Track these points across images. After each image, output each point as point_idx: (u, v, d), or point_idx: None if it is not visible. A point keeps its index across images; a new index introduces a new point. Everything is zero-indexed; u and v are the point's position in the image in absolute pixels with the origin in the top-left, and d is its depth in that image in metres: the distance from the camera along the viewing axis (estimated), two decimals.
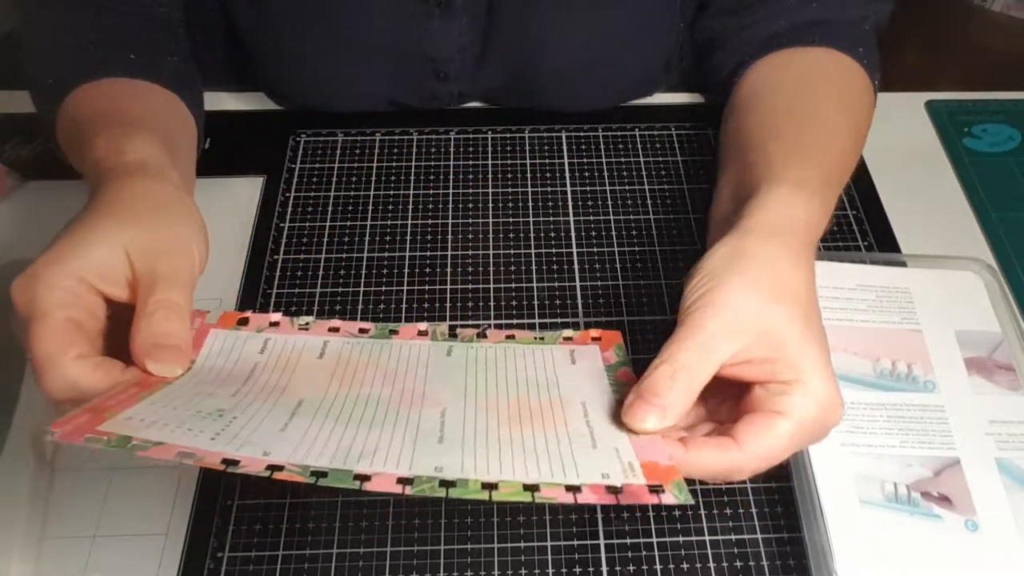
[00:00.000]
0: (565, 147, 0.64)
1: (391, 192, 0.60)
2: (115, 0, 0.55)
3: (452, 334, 0.45)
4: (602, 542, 0.44)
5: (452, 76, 0.62)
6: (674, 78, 0.68)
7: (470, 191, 0.60)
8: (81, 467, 0.46)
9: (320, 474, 0.32)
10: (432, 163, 0.62)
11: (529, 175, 0.62)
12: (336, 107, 0.64)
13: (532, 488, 0.33)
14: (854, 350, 0.49)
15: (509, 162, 0.63)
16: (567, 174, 0.62)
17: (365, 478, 0.32)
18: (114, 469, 0.46)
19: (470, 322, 0.53)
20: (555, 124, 0.65)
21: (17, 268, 0.37)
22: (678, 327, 0.38)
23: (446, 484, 0.33)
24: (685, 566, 0.43)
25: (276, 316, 0.44)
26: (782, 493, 0.45)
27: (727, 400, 0.40)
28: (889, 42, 0.56)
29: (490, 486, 0.33)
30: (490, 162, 0.62)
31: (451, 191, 0.60)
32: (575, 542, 0.44)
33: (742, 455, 0.36)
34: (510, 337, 0.45)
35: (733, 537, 0.44)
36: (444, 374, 0.41)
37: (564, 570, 0.43)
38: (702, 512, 0.45)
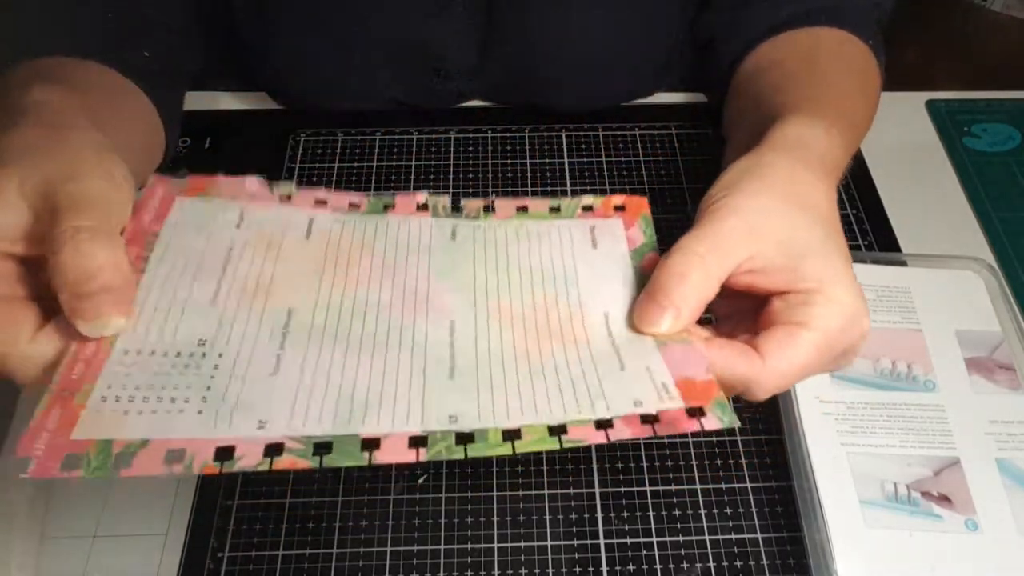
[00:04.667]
0: (565, 147, 0.64)
1: (391, 192, 0.60)
2: None
3: (456, 207, 0.40)
4: (602, 542, 0.44)
5: (452, 75, 0.62)
6: (674, 78, 0.68)
7: (470, 191, 0.60)
8: None
9: (323, 447, 0.29)
10: (432, 163, 0.62)
11: (529, 175, 0.62)
12: (336, 106, 0.64)
13: (558, 431, 0.30)
14: None
15: (509, 162, 0.63)
16: (567, 174, 0.62)
17: (374, 445, 0.29)
18: None
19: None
20: (555, 124, 0.65)
21: None
22: (692, 227, 0.36)
23: (463, 440, 0.30)
24: (685, 566, 0.43)
25: (253, 183, 0.39)
26: (782, 493, 0.45)
27: (744, 320, 0.37)
28: (889, 42, 0.56)
29: (512, 434, 0.30)
30: (490, 162, 0.62)
31: (451, 191, 0.60)
32: (575, 542, 0.44)
33: (764, 367, 0.33)
34: (522, 209, 0.40)
35: (733, 537, 0.44)
36: (449, 265, 0.37)
37: (564, 570, 0.43)
38: (702, 512, 0.45)
